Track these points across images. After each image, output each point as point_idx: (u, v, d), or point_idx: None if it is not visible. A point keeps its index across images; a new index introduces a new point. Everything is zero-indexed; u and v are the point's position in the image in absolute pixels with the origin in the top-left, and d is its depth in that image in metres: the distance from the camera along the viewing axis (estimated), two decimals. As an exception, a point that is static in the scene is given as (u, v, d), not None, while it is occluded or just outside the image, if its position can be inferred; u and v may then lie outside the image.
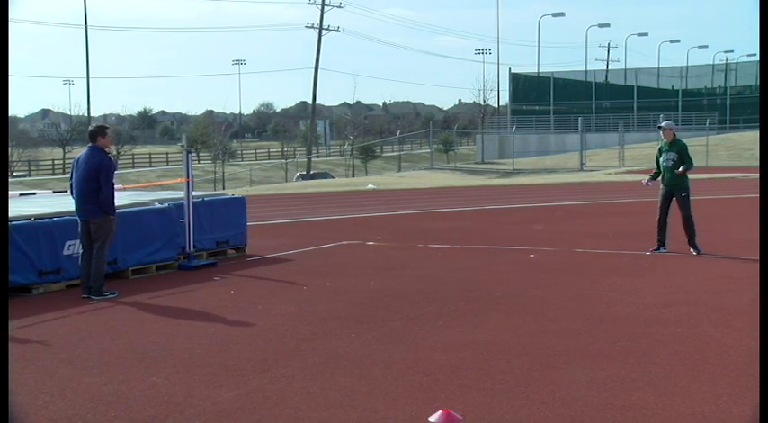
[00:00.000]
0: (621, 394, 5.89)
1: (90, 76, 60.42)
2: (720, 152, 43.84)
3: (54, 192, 14.83)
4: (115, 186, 9.94)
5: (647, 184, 12.79)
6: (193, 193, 12.18)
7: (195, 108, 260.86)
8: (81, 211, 9.70)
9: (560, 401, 5.75)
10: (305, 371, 6.56)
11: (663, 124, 12.59)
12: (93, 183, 9.54)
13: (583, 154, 42.68)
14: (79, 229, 9.76)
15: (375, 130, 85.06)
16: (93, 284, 9.59)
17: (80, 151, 10.05)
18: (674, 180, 12.22)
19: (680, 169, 12.12)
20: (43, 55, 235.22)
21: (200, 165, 61.90)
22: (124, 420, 5.54)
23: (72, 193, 9.87)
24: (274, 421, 5.50)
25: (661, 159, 12.36)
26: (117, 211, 9.94)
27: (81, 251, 9.78)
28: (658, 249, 12.36)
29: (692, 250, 12.18)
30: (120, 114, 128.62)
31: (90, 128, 10.23)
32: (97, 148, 9.75)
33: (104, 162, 9.63)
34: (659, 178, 12.46)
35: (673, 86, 72.52)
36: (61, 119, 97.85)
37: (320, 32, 67.28)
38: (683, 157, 12.21)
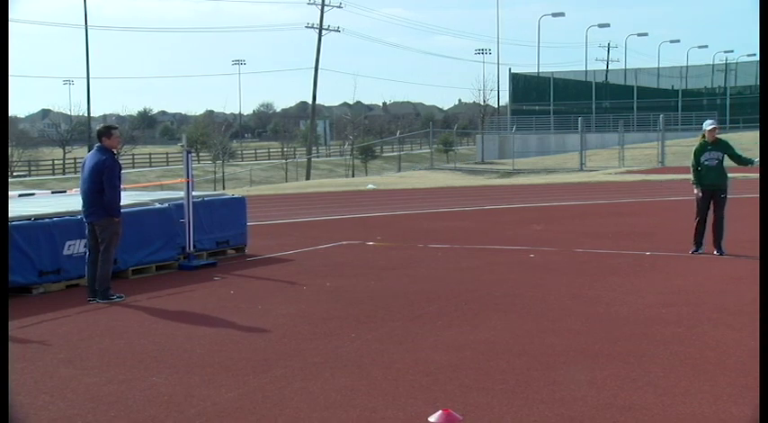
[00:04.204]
0: (621, 394, 5.89)
1: (90, 76, 60.44)
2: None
3: (53, 192, 14.83)
4: (121, 187, 9.80)
5: (698, 193, 12.28)
6: (193, 193, 12.18)
7: (195, 108, 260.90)
8: (85, 212, 9.58)
9: (560, 401, 5.75)
10: (305, 371, 6.56)
11: (713, 125, 12.28)
12: (97, 184, 9.38)
13: (583, 154, 42.65)
14: (86, 231, 9.67)
15: (375, 130, 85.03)
16: (99, 287, 9.44)
17: (84, 151, 9.99)
18: (718, 180, 12.11)
19: (755, 162, 11.78)
20: (43, 55, 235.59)
21: (200, 165, 61.88)
22: (124, 420, 5.54)
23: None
24: (274, 421, 5.50)
25: (702, 158, 12.16)
26: (117, 211, 9.88)
27: (87, 253, 9.63)
28: (697, 250, 12.27)
29: (715, 251, 12.10)
30: (120, 114, 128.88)
31: (97, 128, 10.14)
32: (102, 149, 9.56)
33: (107, 163, 9.40)
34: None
35: (673, 86, 72.56)
36: (61, 119, 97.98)
37: (320, 32, 67.33)
38: (732, 153, 12.16)
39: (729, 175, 12.47)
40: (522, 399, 5.82)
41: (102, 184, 9.38)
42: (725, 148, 12.26)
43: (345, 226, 17.43)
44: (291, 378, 6.38)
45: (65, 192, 13.83)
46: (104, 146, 9.61)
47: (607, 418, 5.44)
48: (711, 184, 12.17)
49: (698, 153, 12.25)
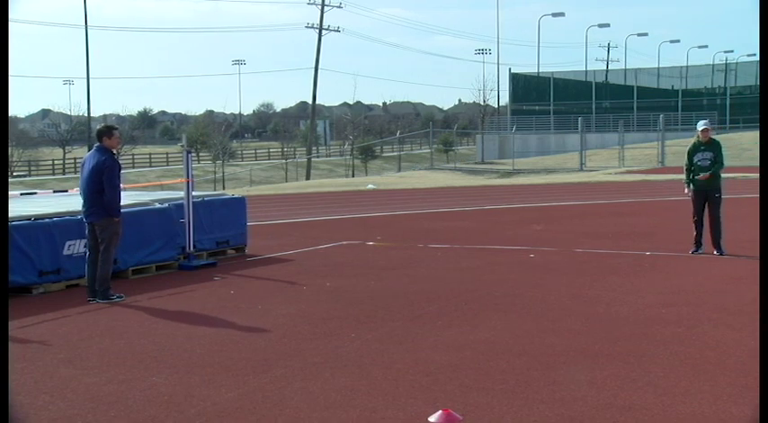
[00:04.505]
0: (621, 394, 5.89)
1: (90, 76, 60.44)
2: (720, 152, 43.87)
3: (54, 191, 14.83)
4: (121, 187, 9.77)
5: (689, 193, 12.42)
6: (193, 193, 12.19)
7: (195, 108, 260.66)
8: (85, 212, 9.56)
9: (560, 401, 5.75)
10: (305, 371, 6.56)
11: (706, 126, 12.33)
12: (96, 184, 9.37)
13: (583, 154, 42.66)
14: (86, 231, 9.65)
15: (375, 130, 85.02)
16: (99, 287, 9.42)
17: (84, 151, 9.98)
18: (710, 181, 12.16)
19: (708, 173, 12.06)
20: (43, 55, 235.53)
21: (200, 165, 61.86)
22: (124, 420, 5.55)
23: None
24: (274, 421, 5.50)
25: (695, 158, 12.23)
26: (117, 211, 9.86)
27: (87, 253, 9.61)
28: (697, 250, 12.30)
29: (714, 251, 12.14)
30: (120, 114, 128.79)
31: (98, 127, 10.13)
32: (102, 149, 9.53)
33: (107, 163, 9.38)
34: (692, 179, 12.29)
35: (673, 86, 72.56)
36: (61, 119, 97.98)
37: (320, 32, 67.31)
38: (718, 156, 12.18)
39: (728, 175, 12.48)
40: (522, 399, 5.82)
41: (102, 184, 9.36)
42: (717, 149, 12.30)
43: (345, 226, 17.43)
44: (291, 378, 6.38)
45: (66, 191, 13.83)
46: (104, 146, 9.59)
47: (607, 418, 5.44)
48: (704, 185, 12.21)
49: (691, 153, 12.33)
